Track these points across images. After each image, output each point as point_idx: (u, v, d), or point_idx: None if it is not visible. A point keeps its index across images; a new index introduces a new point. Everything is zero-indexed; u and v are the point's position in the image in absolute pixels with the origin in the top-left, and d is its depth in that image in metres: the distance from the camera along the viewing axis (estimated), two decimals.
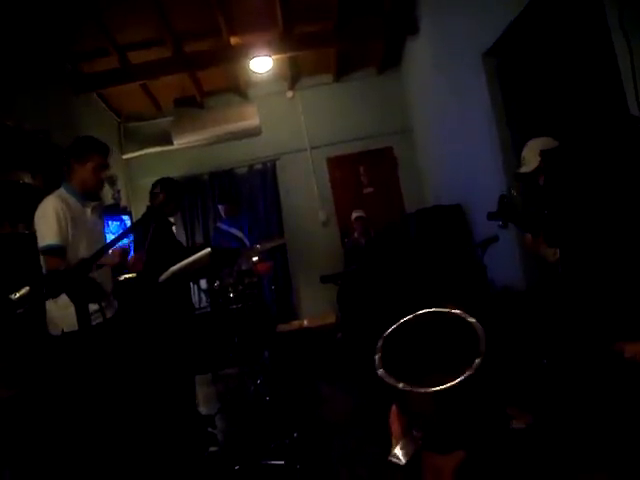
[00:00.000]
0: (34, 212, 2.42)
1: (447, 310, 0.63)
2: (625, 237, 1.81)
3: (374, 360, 0.61)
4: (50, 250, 2.34)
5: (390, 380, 0.58)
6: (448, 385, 0.54)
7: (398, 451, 0.60)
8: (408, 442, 0.60)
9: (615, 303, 1.68)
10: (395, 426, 0.64)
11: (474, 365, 0.55)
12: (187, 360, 3.33)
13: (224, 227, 5.20)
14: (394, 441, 0.62)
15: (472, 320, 0.60)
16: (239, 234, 5.11)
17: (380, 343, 0.64)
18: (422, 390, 0.55)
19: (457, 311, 0.62)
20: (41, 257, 2.39)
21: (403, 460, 0.59)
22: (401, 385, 0.57)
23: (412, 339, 0.65)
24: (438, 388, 0.54)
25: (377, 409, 3.29)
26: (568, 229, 2.10)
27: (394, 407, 0.64)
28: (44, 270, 2.39)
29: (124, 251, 2.54)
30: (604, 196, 1.92)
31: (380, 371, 0.59)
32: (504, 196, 2.51)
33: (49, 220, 2.34)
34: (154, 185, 3.42)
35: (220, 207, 5.27)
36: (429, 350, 0.64)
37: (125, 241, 3.74)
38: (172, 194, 3.39)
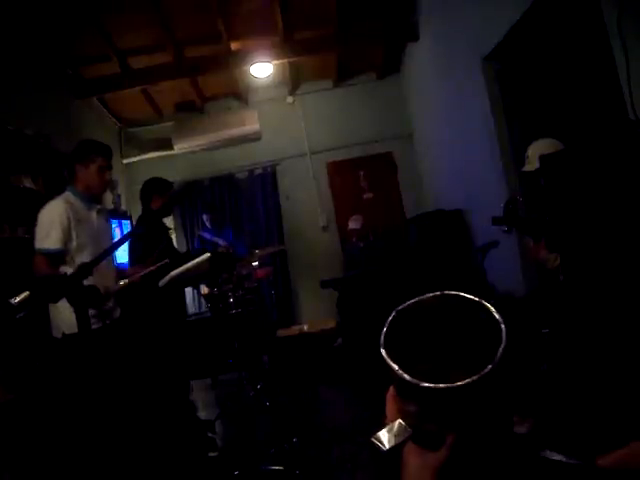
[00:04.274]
0: (34, 216, 2.41)
1: (467, 296, 0.58)
2: (626, 242, 1.80)
3: (380, 336, 0.57)
4: (46, 254, 2.33)
5: (393, 365, 0.53)
6: (463, 382, 0.49)
7: (384, 435, 0.56)
8: (397, 429, 0.56)
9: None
10: (390, 407, 0.60)
11: (495, 362, 0.51)
12: (182, 364, 3.32)
13: (207, 236, 5.15)
14: (387, 423, 0.59)
15: (493, 310, 0.56)
16: (223, 243, 5.06)
17: (390, 318, 0.59)
18: (439, 386, 0.50)
19: (477, 299, 0.58)
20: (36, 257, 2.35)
21: (387, 446, 0.55)
22: (407, 376, 0.52)
23: (424, 320, 0.59)
24: (452, 385, 0.49)
25: (377, 414, 3.27)
26: (569, 236, 2.10)
27: (392, 388, 0.60)
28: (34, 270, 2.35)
29: None
30: (604, 202, 1.92)
31: (383, 351, 0.55)
32: (509, 201, 2.52)
33: (53, 224, 2.33)
34: (151, 187, 3.42)
35: (204, 217, 5.26)
36: (438, 335, 0.59)
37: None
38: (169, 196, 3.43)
